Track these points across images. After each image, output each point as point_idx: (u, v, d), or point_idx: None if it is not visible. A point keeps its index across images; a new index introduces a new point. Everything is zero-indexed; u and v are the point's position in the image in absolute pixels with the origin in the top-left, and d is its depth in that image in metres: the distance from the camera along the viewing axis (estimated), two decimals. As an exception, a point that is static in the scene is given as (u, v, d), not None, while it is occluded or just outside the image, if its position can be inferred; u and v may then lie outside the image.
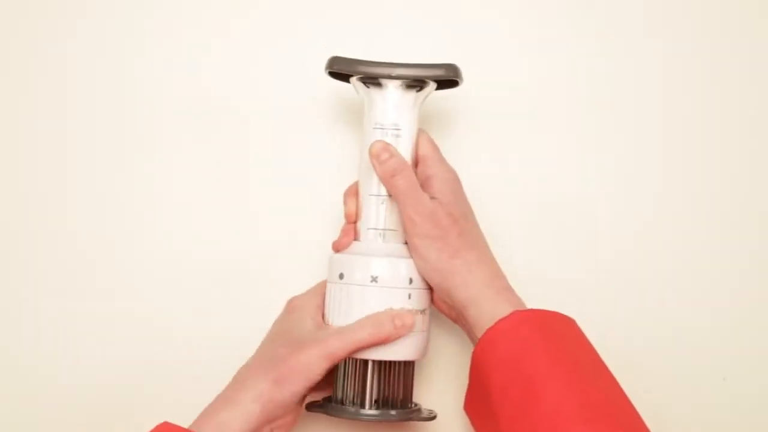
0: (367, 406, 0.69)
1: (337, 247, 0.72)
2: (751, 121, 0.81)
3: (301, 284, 0.74)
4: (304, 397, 0.68)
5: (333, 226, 0.75)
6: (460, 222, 0.69)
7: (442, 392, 0.76)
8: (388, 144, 0.70)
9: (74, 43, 0.81)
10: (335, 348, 0.67)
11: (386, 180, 0.69)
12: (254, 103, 0.80)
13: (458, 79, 0.71)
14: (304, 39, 0.81)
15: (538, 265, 0.72)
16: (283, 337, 0.70)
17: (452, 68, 0.70)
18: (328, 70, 0.71)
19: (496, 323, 0.65)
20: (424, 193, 0.69)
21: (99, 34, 0.81)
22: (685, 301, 0.79)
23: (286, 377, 0.66)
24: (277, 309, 0.72)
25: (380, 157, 0.69)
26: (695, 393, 0.77)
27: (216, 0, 0.82)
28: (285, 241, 0.79)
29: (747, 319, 0.78)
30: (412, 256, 0.70)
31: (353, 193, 0.72)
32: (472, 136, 0.79)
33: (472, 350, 0.67)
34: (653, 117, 0.81)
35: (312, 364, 0.66)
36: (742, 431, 0.78)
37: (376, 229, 0.71)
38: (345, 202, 0.73)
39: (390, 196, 0.70)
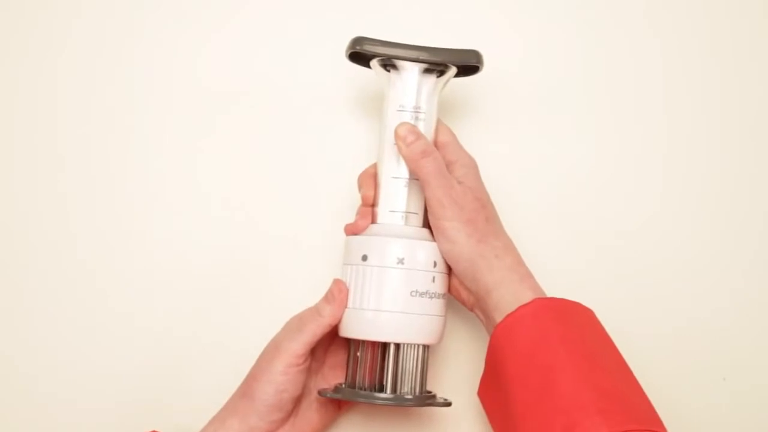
0: (381, 390, 0.69)
1: (354, 230, 0.71)
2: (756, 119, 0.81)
3: (302, 285, 0.74)
4: (283, 408, 0.69)
5: (333, 226, 0.75)
6: (486, 207, 0.70)
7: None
8: (414, 126, 0.70)
9: (72, 45, 0.81)
10: (283, 353, 0.68)
11: (413, 162, 0.69)
12: (253, 103, 0.80)
13: (479, 65, 0.71)
14: (302, 38, 0.81)
15: (537, 260, 0.72)
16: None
17: (473, 54, 0.71)
18: (350, 51, 0.71)
19: (517, 309, 0.65)
20: (452, 177, 0.70)
21: (97, 33, 0.81)
22: (685, 301, 0.79)
23: (251, 387, 0.68)
24: (277, 310, 0.72)
25: (407, 138, 0.69)
26: (695, 393, 0.77)
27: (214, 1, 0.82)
28: (285, 242, 0.79)
29: (747, 319, 0.79)
30: (437, 240, 0.69)
31: (370, 176, 0.72)
32: (482, 131, 0.80)
33: (490, 334, 0.67)
34: (655, 115, 0.81)
35: (269, 370, 0.68)
36: (742, 431, 0.78)
37: (398, 211, 0.71)
38: (361, 185, 0.72)
39: (412, 179, 0.70)
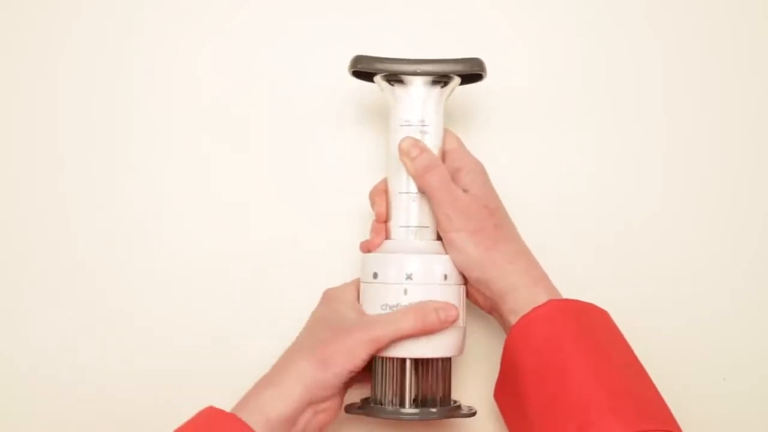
0: (406, 405, 0.69)
1: (369, 248, 0.71)
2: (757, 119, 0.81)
3: (303, 286, 0.74)
4: (346, 382, 0.67)
5: (335, 228, 0.76)
6: (495, 214, 0.70)
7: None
8: (417, 140, 0.70)
9: (72, 45, 0.81)
10: (379, 334, 0.66)
11: (418, 177, 0.69)
12: (253, 103, 0.80)
13: (483, 73, 0.71)
14: (302, 38, 0.81)
15: (537, 260, 0.72)
16: (324, 323, 0.69)
17: (477, 62, 0.71)
18: (352, 70, 0.71)
19: (531, 311, 0.66)
20: (457, 188, 0.69)
21: (97, 34, 0.81)
22: (685, 301, 0.79)
23: (330, 358, 0.66)
24: (278, 310, 0.72)
25: (411, 153, 0.69)
26: (695, 393, 0.77)
27: (213, 1, 0.82)
28: (287, 243, 0.79)
29: (747, 319, 0.79)
30: (448, 251, 0.69)
31: (381, 191, 0.72)
32: (482, 133, 0.80)
33: (506, 337, 0.67)
34: (655, 115, 0.81)
35: (356, 347, 0.66)
36: (742, 431, 0.78)
37: (407, 226, 0.70)
38: (374, 202, 0.72)
39: (420, 192, 0.70)
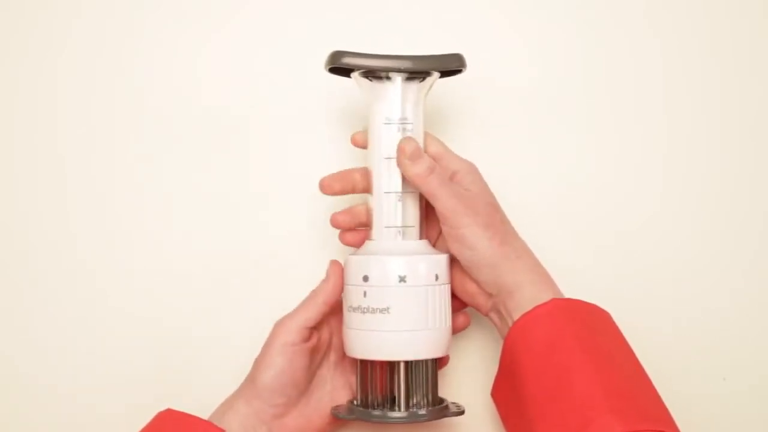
0: (394, 407, 0.68)
1: (350, 241, 0.72)
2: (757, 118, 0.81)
3: (305, 287, 0.74)
4: (284, 392, 0.68)
5: (338, 228, 0.76)
6: (499, 210, 0.70)
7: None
8: (416, 143, 0.69)
9: (72, 45, 0.81)
10: (278, 330, 0.69)
11: (420, 179, 0.68)
12: (253, 103, 0.80)
13: (462, 68, 0.71)
14: (302, 38, 0.81)
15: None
16: None
17: (457, 58, 0.70)
18: (329, 66, 0.70)
19: (533, 309, 0.66)
20: (457, 185, 0.69)
21: (97, 33, 0.81)
22: (685, 301, 0.79)
23: (254, 373, 0.69)
24: (280, 312, 0.72)
25: (413, 156, 0.68)
26: (695, 393, 0.77)
27: (213, 1, 0.82)
28: (289, 244, 0.79)
29: (747, 319, 0.79)
30: (454, 249, 0.69)
31: (345, 175, 0.72)
32: (482, 133, 0.80)
33: (505, 335, 0.67)
34: (655, 115, 0.81)
35: (266, 350, 0.69)
36: (741, 431, 0.78)
37: (394, 227, 0.70)
38: (337, 185, 0.72)
39: (405, 191, 0.70)
